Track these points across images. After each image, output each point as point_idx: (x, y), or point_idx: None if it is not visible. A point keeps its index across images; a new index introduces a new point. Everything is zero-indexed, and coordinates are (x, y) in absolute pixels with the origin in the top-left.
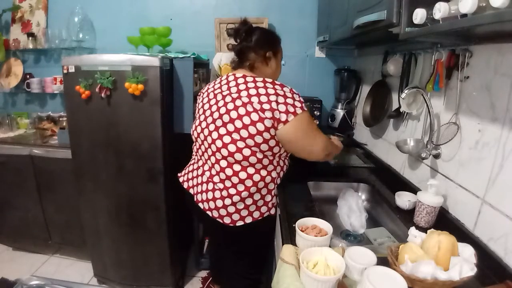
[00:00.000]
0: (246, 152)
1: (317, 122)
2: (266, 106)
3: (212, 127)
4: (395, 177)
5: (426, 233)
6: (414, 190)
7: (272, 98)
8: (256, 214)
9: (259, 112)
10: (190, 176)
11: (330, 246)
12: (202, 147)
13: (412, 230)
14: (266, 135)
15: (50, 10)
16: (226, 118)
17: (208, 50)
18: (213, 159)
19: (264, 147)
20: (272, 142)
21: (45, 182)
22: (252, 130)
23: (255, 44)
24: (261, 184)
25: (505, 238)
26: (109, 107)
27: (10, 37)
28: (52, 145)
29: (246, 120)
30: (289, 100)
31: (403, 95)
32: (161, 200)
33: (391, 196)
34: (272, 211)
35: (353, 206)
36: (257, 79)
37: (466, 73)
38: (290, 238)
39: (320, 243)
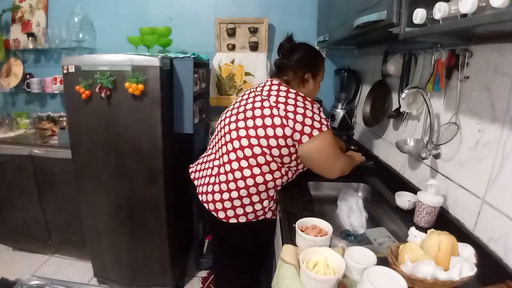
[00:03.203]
0: (257, 150)
1: None
2: (291, 116)
3: (233, 118)
4: (395, 177)
5: (426, 233)
6: (414, 190)
7: (300, 110)
8: (251, 216)
9: (282, 118)
10: (198, 168)
11: (330, 246)
12: (219, 135)
13: (412, 230)
14: (282, 141)
15: (50, 10)
16: (249, 113)
17: (208, 50)
18: (224, 149)
19: (275, 152)
20: (284, 151)
21: (45, 182)
22: (270, 132)
23: (295, 64)
24: (261, 187)
25: (505, 238)
26: (109, 107)
27: (10, 37)
28: (52, 145)
29: (268, 121)
30: (316, 117)
31: (403, 95)
32: (161, 200)
33: (391, 196)
34: (268, 215)
35: (353, 206)
36: (291, 90)
37: (466, 73)
38: (290, 238)
39: (320, 243)
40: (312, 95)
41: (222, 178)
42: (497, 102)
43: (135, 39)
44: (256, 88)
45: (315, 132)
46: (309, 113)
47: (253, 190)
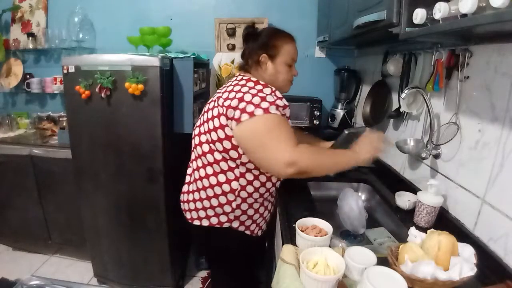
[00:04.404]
0: (205, 147)
1: (317, 123)
2: (227, 103)
3: (198, 122)
4: (395, 177)
5: (426, 233)
6: (414, 190)
7: (239, 95)
8: (214, 220)
9: (219, 107)
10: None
11: (330, 246)
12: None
13: (412, 230)
14: (221, 133)
15: (50, 10)
16: (205, 116)
17: (208, 50)
18: (192, 154)
19: (218, 146)
20: (226, 144)
21: (45, 182)
22: (211, 125)
23: (250, 49)
24: (217, 190)
25: (505, 238)
26: (109, 107)
27: (10, 37)
28: (52, 145)
29: (210, 114)
30: (256, 100)
31: (403, 95)
32: (161, 200)
33: (391, 196)
34: (235, 224)
35: (353, 206)
36: (244, 77)
37: (466, 73)
38: (290, 238)
39: (320, 243)
40: (278, 81)
41: (188, 178)
42: (497, 102)
43: (135, 39)
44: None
45: (244, 117)
46: (247, 97)
47: (210, 192)
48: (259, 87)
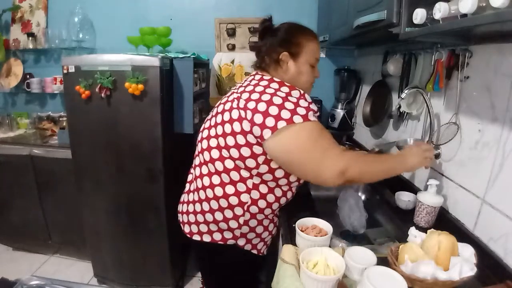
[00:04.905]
0: (214, 153)
1: None
2: (251, 105)
3: (207, 124)
4: (395, 177)
5: (426, 233)
6: (414, 190)
7: (265, 97)
8: (217, 236)
9: (241, 110)
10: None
11: (330, 246)
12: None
13: (412, 230)
14: (240, 139)
15: (50, 10)
16: (219, 118)
17: (208, 50)
18: (196, 160)
19: (233, 152)
20: (244, 151)
21: (45, 182)
22: (227, 128)
23: (269, 46)
24: (223, 203)
25: (505, 238)
26: (109, 107)
27: (10, 37)
28: (52, 145)
29: (226, 116)
30: (289, 105)
31: (403, 95)
32: (161, 200)
33: (391, 196)
34: (241, 242)
35: (353, 206)
36: (265, 77)
37: (466, 73)
38: (290, 238)
39: (320, 243)
40: (300, 83)
41: (187, 186)
42: (497, 102)
43: (135, 39)
44: (237, 86)
45: (281, 124)
46: (277, 100)
47: (214, 204)
48: (285, 89)
